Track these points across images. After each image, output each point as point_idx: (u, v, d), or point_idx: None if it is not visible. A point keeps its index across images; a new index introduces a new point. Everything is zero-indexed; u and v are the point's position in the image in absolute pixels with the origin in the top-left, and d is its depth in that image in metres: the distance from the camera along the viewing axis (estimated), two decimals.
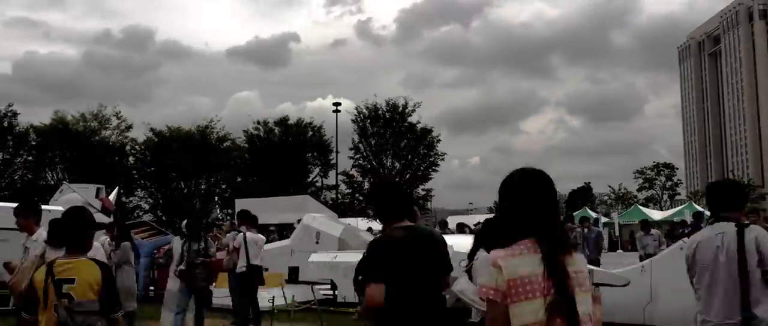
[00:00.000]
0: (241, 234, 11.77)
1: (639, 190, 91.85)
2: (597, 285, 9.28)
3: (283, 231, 23.87)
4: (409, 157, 50.38)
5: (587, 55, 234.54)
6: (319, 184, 53.97)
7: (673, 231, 23.64)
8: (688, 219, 40.39)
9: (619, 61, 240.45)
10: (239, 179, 53.25)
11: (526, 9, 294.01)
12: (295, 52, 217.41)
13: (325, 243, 17.00)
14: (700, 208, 46.45)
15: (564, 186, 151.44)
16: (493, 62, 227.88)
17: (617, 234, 41.06)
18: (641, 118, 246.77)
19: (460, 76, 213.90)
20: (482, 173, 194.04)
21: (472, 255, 5.66)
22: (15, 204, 14.32)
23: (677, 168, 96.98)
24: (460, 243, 10.12)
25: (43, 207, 16.09)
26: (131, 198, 52.09)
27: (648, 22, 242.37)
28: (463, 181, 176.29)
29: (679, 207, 48.30)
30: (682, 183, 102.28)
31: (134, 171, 52.74)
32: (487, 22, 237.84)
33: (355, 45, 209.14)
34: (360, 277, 4.58)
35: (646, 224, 19.07)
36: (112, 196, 19.09)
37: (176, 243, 10.51)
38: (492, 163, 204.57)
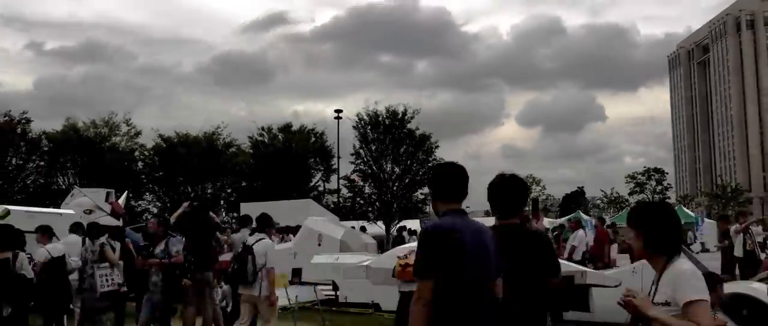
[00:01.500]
0: None
1: (630, 194, 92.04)
2: (590, 285, 9.28)
3: (288, 233, 23.89)
4: (409, 162, 50.46)
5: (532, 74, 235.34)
6: (321, 189, 53.99)
7: None
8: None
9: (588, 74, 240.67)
10: (244, 184, 53.25)
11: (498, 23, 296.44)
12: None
13: (327, 245, 17.04)
14: (689, 212, 46.53)
15: (558, 190, 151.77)
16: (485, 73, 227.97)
17: None
18: (614, 126, 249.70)
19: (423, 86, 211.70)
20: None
21: None
22: (28, 208, 14.33)
23: (667, 173, 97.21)
24: None
25: (55, 210, 16.17)
26: (140, 202, 52.11)
27: (616, 36, 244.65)
28: None
29: None
30: (671, 187, 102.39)
31: (143, 176, 52.76)
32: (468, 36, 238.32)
33: (301, 62, 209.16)
34: None
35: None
36: (122, 200, 19.11)
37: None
38: (472, 168, 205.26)
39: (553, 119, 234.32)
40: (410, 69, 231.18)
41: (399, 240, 25.10)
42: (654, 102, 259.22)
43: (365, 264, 12.32)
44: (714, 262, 14.54)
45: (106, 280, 9.86)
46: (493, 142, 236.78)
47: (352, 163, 50.84)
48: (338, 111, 45.89)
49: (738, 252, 14.12)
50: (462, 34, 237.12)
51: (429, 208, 61.30)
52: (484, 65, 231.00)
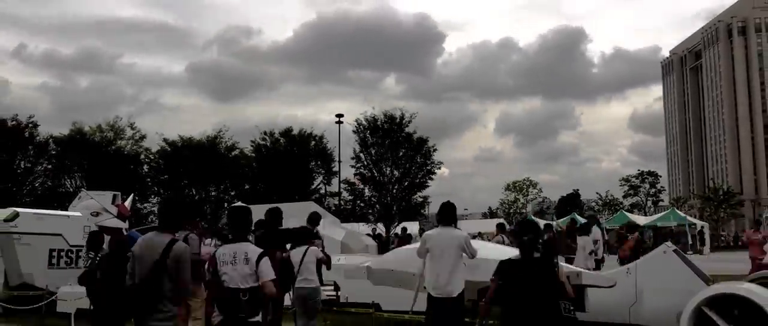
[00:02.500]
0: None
1: (624, 197, 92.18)
2: (585, 286, 9.29)
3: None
4: (407, 165, 50.48)
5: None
6: (322, 191, 53.97)
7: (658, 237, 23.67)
8: (670, 223, 40.46)
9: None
10: (247, 186, 53.22)
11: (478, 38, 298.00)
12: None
13: (328, 246, 17.01)
14: (682, 214, 46.60)
15: (554, 193, 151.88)
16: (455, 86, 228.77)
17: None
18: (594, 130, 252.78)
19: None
20: (455, 181, 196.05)
21: None
22: (36, 211, 14.25)
23: (660, 176, 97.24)
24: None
25: (62, 213, 16.18)
26: (145, 205, 52.11)
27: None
28: (450, 189, 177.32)
29: (662, 213, 48.34)
30: (665, 190, 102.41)
31: (148, 179, 52.78)
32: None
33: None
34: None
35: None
36: (128, 203, 19.05)
37: None
38: (464, 172, 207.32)
39: (527, 126, 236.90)
40: (382, 78, 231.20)
41: (404, 240, 24.96)
42: (622, 109, 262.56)
43: (366, 265, 12.32)
44: (703, 263, 14.54)
45: None
46: (470, 149, 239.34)
47: (352, 166, 50.96)
48: (339, 116, 45.86)
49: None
50: (439, 46, 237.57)
51: (428, 210, 61.48)
52: (461, 75, 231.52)
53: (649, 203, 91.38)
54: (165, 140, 52.18)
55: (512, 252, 10.04)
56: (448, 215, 7.82)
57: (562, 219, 48.59)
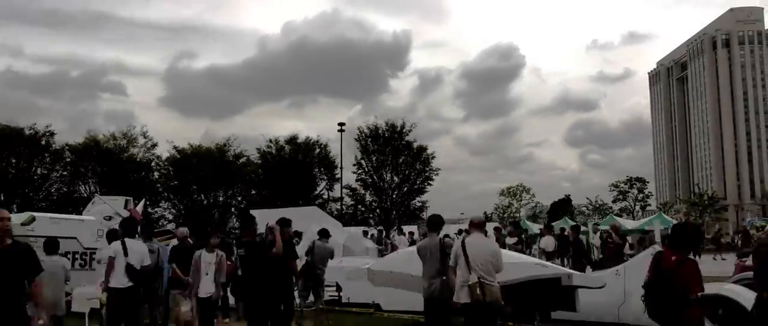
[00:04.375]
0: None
1: (614, 202, 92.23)
2: (577, 287, 9.29)
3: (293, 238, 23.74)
4: (407, 171, 50.48)
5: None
6: (325, 197, 53.94)
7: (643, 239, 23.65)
8: (657, 227, 40.34)
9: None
10: (253, 192, 53.17)
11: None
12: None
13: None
14: (669, 218, 46.51)
15: (548, 197, 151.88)
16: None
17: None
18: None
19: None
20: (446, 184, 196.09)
21: None
22: (52, 215, 14.21)
23: (648, 182, 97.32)
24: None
25: (77, 217, 16.18)
26: (156, 209, 52.04)
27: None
28: (444, 192, 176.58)
29: (650, 217, 48.28)
30: (652, 195, 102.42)
31: (159, 185, 52.73)
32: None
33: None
34: None
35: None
36: (139, 207, 19.10)
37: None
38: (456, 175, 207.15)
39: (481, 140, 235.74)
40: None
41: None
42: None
43: (367, 266, 12.32)
44: None
45: None
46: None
47: (354, 172, 50.93)
48: (341, 124, 45.87)
49: None
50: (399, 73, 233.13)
51: (426, 214, 61.40)
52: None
53: (637, 208, 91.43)
54: (175, 147, 52.23)
55: (505, 254, 10.03)
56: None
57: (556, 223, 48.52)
